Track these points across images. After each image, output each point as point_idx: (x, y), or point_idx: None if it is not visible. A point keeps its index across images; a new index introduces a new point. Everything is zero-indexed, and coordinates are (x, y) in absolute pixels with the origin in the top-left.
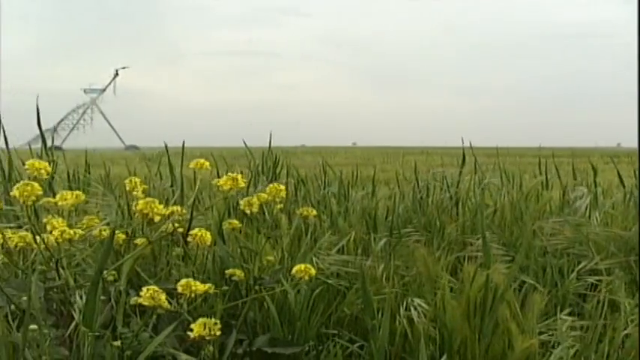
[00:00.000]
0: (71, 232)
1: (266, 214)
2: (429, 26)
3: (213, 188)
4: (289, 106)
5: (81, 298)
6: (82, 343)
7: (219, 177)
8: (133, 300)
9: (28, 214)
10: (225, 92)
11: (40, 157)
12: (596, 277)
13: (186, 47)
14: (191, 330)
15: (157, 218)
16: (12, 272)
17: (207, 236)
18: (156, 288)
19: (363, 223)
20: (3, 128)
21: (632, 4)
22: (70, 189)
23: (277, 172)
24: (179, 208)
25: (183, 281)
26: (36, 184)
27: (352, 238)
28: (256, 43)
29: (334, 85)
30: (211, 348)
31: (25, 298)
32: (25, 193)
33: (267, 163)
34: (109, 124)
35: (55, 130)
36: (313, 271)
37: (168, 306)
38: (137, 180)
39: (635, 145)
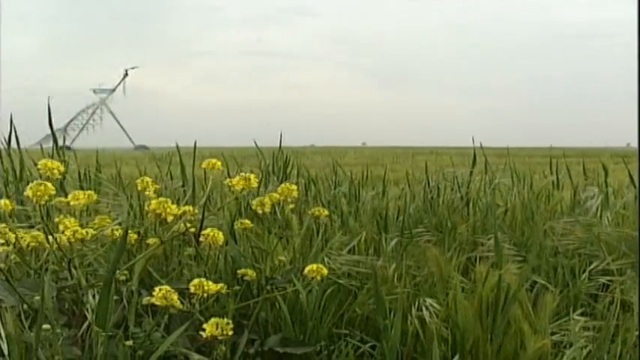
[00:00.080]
0: (83, 231)
1: (278, 214)
2: (438, 27)
3: (224, 188)
4: (299, 106)
5: (93, 297)
6: (94, 343)
7: (229, 177)
8: (146, 300)
9: (41, 213)
10: (234, 92)
11: (52, 157)
12: (608, 278)
13: (195, 47)
14: (203, 330)
15: (169, 218)
16: (24, 272)
17: (220, 236)
18: (168, 288)
19: (374, 223)
20: (14, 128)
21: None
22: (82, 189)
23: (288, 172)
24: (191, 208)
25: (195, 281)
26: (49, 184)
27: (363, 238)
28: (266, 43)
29: (344, 85)
30: (223, 347)
31: (37, 297)
32: (39, 193)
33: (278, 163)
34: (119, 124)
35: (65, 130)
36: (325, 271)
37: (181, 306)
38: (149, 180)
39: None
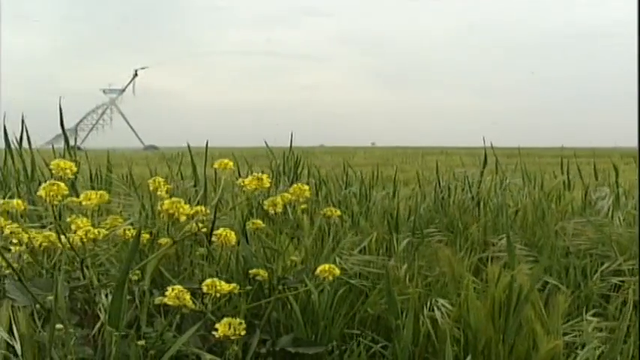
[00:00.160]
0: (95, 231)
1: (290, 214)
2: (447, 26)
3: (234, 188)
4: (308, 106)
5: (106, 297)
6: (107, 343)
7: (239, 177)
8: (158, 300)
9: (54, 213)
10: (243, 92)
11: (63, 157)
12: (620, 278)
13: (205, 47)
14: (216, 330)
15: (182, 218)
16: (36, 272)
17: (233, 236)
18: (181, 288)
19: (385, 223)
20: (26, 128)
21: None
22: (93, 189)
23: (298, 172)
24: (203, 208)
25: (208, 281)
26: (62, 184)
27: (374, 239)
28: (276, 43)
29: (353, 86)
30: (236, 347)
31: (50, 297)
32: (52, 193)
33: (289, 163)
34: (128, 124)
35: (75, 130)
36: (338, 271)
37: (193, 306)
38: (161, 180)
39: None
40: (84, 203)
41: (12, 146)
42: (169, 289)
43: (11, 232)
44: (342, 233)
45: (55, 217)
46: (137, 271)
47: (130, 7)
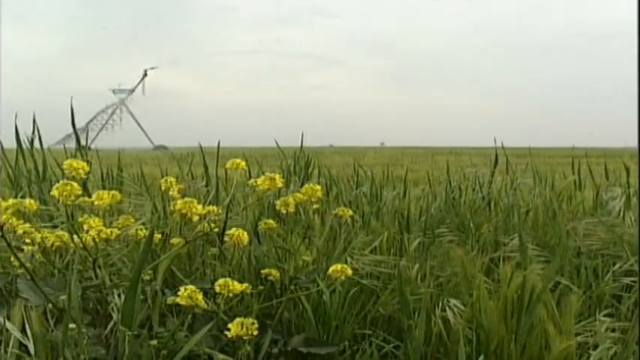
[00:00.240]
0: (108, 231)
1: (302, 214)
2: (456, 27)
3: (245, 188)
4: (317, 106)
5: (118, 297)
6: (119, 342)
7: (250, 177)
8: (171, 299)
9: (67, 213)
10: (252, 93)
11: (74, 157)
12: (632, 279)
13: (214, 47)
14: (228, 329)
15: (195, 218)
16: (49, 271)
17: (245, 236)
18: (194, 288)
19: (396, 223)
20: (38, 128)
21: None
22: (104, 188)
23: (309, 172)
24: (215, 208)
25: (221, 281)
26: (75, 184)
27: (385, 239)
28: (285, 44)
29: (362, 86)
30: (248, 347)
31: (63, 297)
32: (65, 193)
33: (299, 163)
34: (138, 124)
35: (86, 130)
36: (350, 271)
37: (206, 306)
38: (173, 180)
39: None
40: (96, 203)
41: (23, 146)
42: (182, 288)
43: (24, 232)
44: (354, 233)
45: (68, 217)
46: (149, 271)
47: (139, 8)
